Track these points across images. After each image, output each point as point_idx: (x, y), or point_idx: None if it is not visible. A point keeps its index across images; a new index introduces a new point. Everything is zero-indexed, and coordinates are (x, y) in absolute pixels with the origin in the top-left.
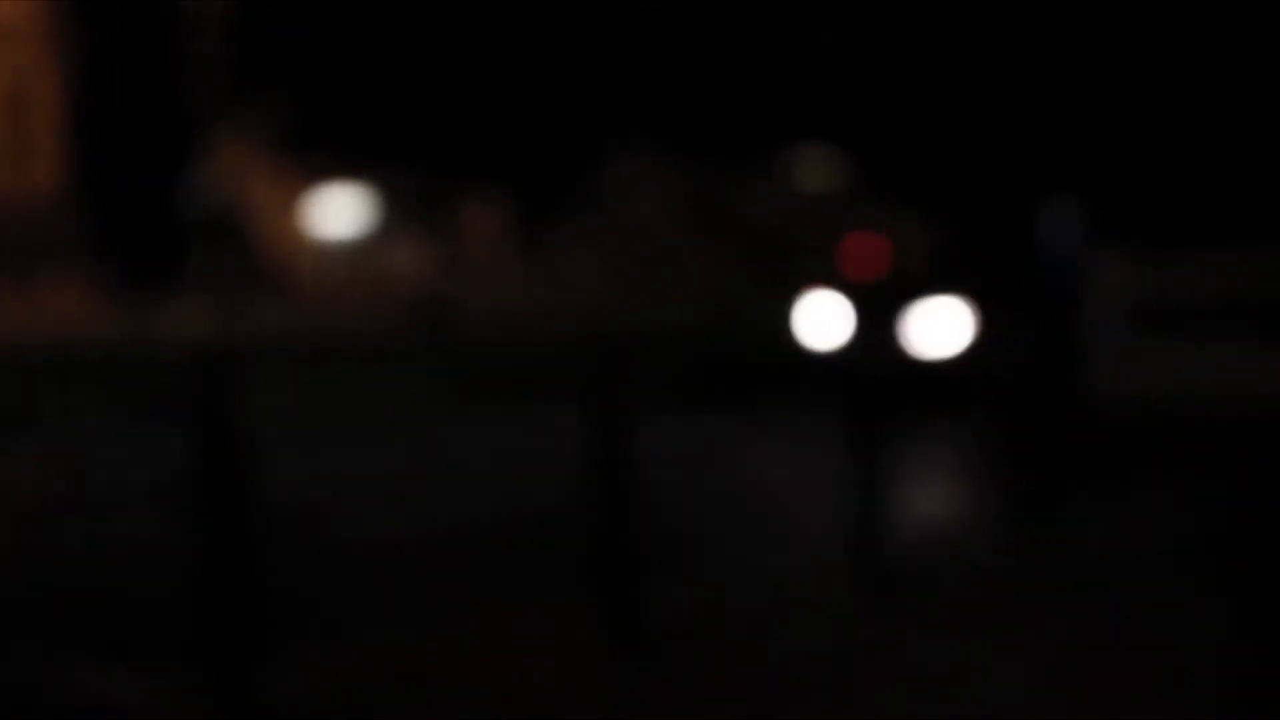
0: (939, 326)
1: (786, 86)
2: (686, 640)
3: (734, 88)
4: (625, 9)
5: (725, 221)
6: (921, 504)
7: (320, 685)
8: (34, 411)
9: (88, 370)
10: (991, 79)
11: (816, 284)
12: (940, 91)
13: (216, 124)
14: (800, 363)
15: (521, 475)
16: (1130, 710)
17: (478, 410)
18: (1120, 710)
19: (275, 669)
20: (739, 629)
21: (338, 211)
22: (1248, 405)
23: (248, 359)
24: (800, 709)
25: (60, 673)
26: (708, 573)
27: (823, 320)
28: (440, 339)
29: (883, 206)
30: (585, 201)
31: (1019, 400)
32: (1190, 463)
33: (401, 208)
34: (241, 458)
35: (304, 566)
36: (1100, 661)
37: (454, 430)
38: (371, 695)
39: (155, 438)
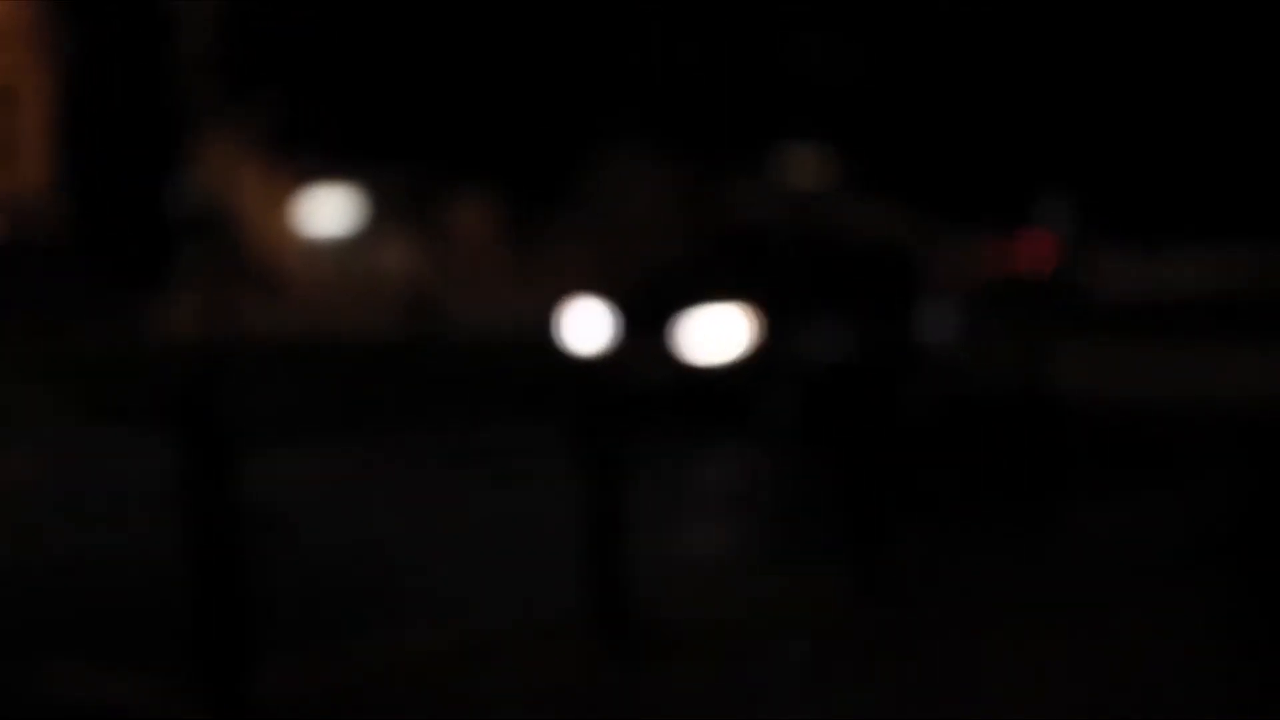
0: (711, 334)
1: (779, 85)
2: None
3: (726, 86)
4: (617, 7)
5: (715, 220)
6: (676, 542)
7: None
8: (23, 411)
9: (77, 369)
10: (977, 80)
11: (583, 289)
12: (929, 90)
13: (206, 123)
14: (563, 372)
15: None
16: None
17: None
18: None
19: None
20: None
21: (327, 210)
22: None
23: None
24: None
25: (53, 674)
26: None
27: (587, 327)
28: (423, 338)
29: (870, 204)
30: (576, 200)
31: (816, 415)
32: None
33: (391, 207)
34: (230, 458)
35: None
36: None
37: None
38: None
39: (144, 437)
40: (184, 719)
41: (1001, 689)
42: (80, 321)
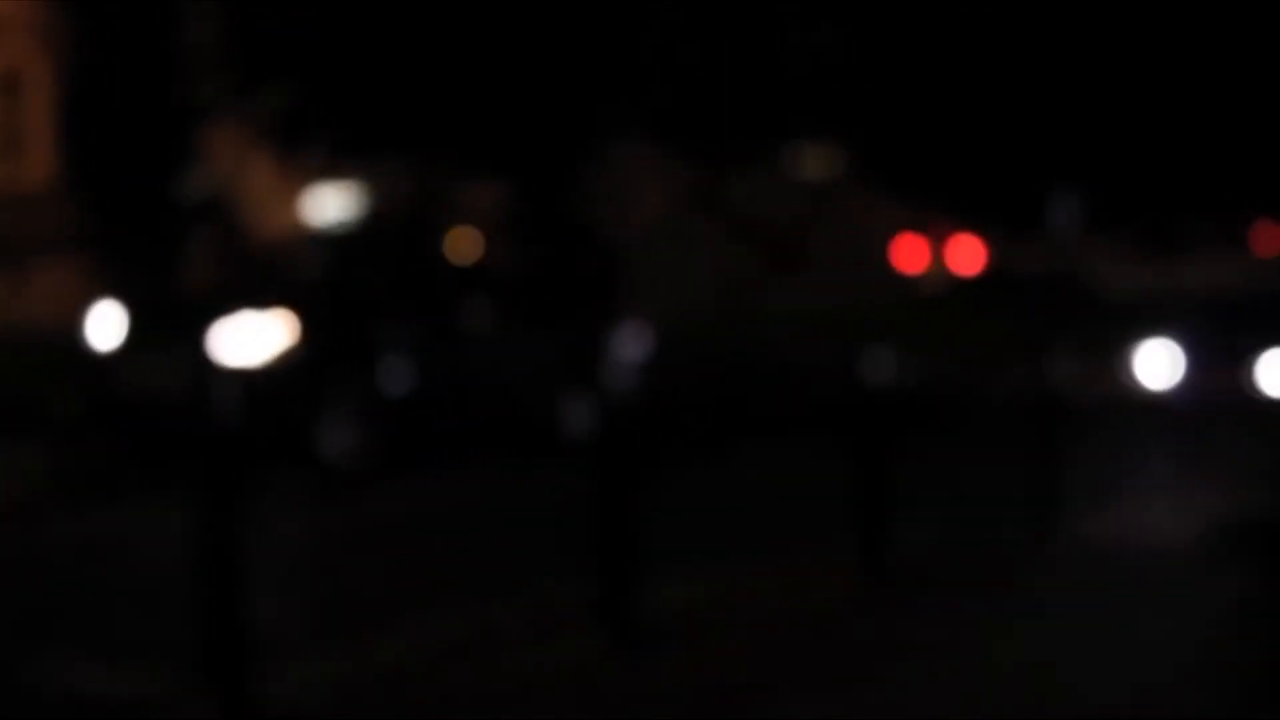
0: (242, 340)
1: (786, 79)
2: None
3: (734, 80)
4: (624, 1)
5: (725, 214)
6: None
7: None
8: (30, 404)
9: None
10: (987, 75)
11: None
12: (940, 85)
13: (211, 116)
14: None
15: None
16: None
17: None
18: None
19: None
20: None
21: (332, 204)
22: None
23: None
24: None
25: (59, 671)
26: None
27: (106, 328)
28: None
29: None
30: (582, 194)
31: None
32: None
33: (397, 201)
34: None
35: None
36: None
37: None
38: None
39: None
40: (195, 714)
41: None
42: (84, 311)
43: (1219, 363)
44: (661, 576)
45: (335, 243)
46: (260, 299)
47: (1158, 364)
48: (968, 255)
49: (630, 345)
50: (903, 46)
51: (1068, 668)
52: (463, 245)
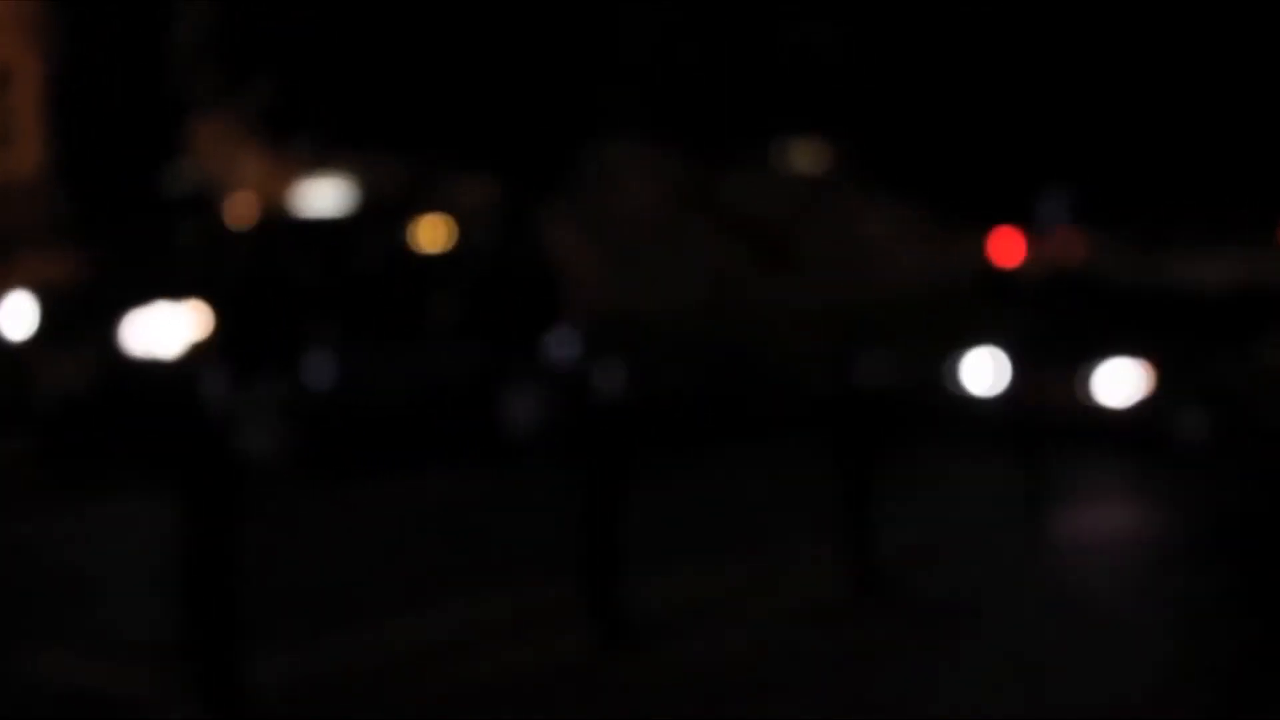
0: (153, 332)
1: (780, 75)
2: None
3: (727, 76)
4: None
5: (716, 210)
6: None
7: None
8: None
9: None
10: (981, 72)
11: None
12: (933, 82)
13: (200, 108)
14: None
15: None
16: None
17: None
18: None
19: None
20: None
21: (323, 199)
22: None
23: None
24: None
25: (43, 664)
26: None
27: (18, 319)
28: None
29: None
30: (574, 190)
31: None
32: None
33: (387, 196)
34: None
35: None
36: None
37: None
38: None
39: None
40: (180, 710)
41: None
42: None
43: (1052, 371)
44: (649, 574)
45: (277, 234)
46: (176, 290)
47: (984, 372)
48: (1008, 248)
49: (563, 346)
50: (894, 43)
51: (1053, 667)
52: (435, 234)
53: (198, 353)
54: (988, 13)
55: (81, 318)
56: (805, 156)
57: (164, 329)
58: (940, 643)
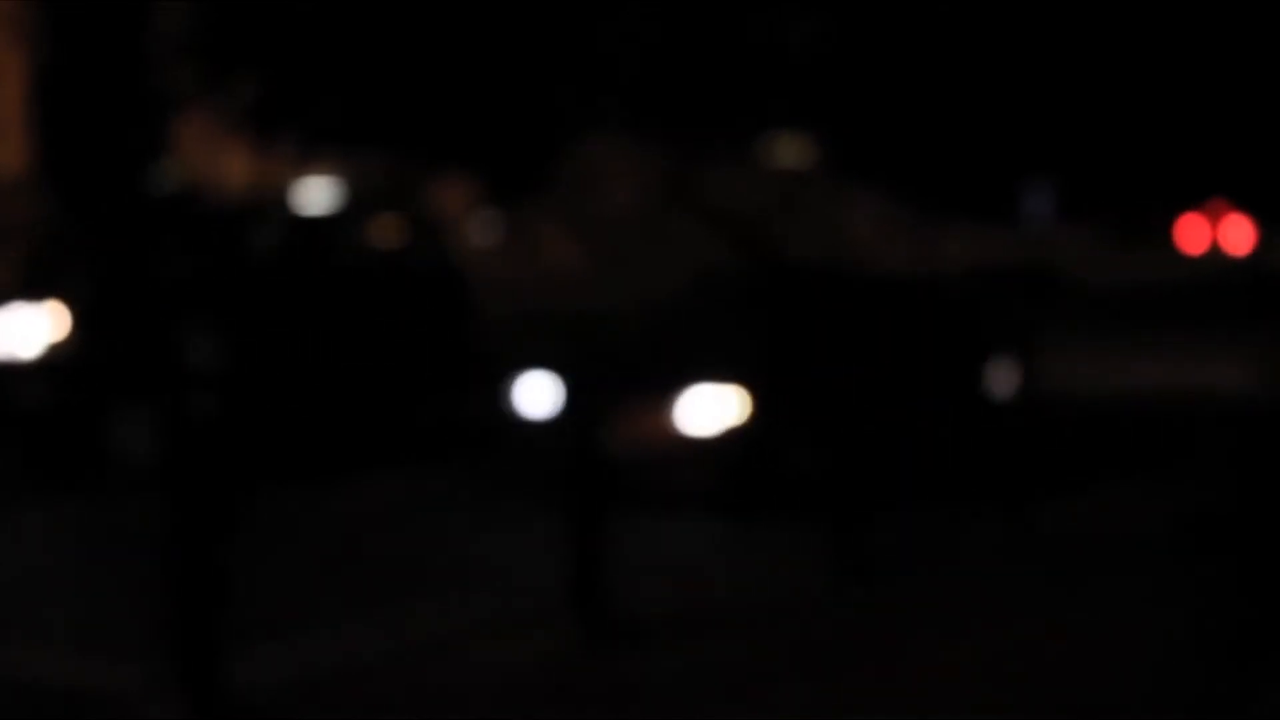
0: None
1: (760, 69)
2: None
3: (708, 69)
4: None
5: (697, 205)
6: None
7: None
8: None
9: None
10: (963, 66)
11: None
12: (915, 75)
13: (184, 107)
14: None
15: None
16: None
17: None
18: None
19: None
20: None
21: (305, 194)
22: None
23: None
24: None
25: (28, 661)
26: None
27: None
28: None
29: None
30: (556, 185)
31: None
32: None
33: (369, 192)
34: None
35: None
36: None
37: None
38: None
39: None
40: (162, 707)
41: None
42: None
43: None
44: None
45: (150, 229)
46: (35, 290)
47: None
48: (1241, 235)
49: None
50: (877, 37)
51: (1036, 658)
52: (389, 233)
53: (56, 354)
54: (969, 6)
55: None
56: (788, 151)
57: (22, 331)
58: (926, 633)
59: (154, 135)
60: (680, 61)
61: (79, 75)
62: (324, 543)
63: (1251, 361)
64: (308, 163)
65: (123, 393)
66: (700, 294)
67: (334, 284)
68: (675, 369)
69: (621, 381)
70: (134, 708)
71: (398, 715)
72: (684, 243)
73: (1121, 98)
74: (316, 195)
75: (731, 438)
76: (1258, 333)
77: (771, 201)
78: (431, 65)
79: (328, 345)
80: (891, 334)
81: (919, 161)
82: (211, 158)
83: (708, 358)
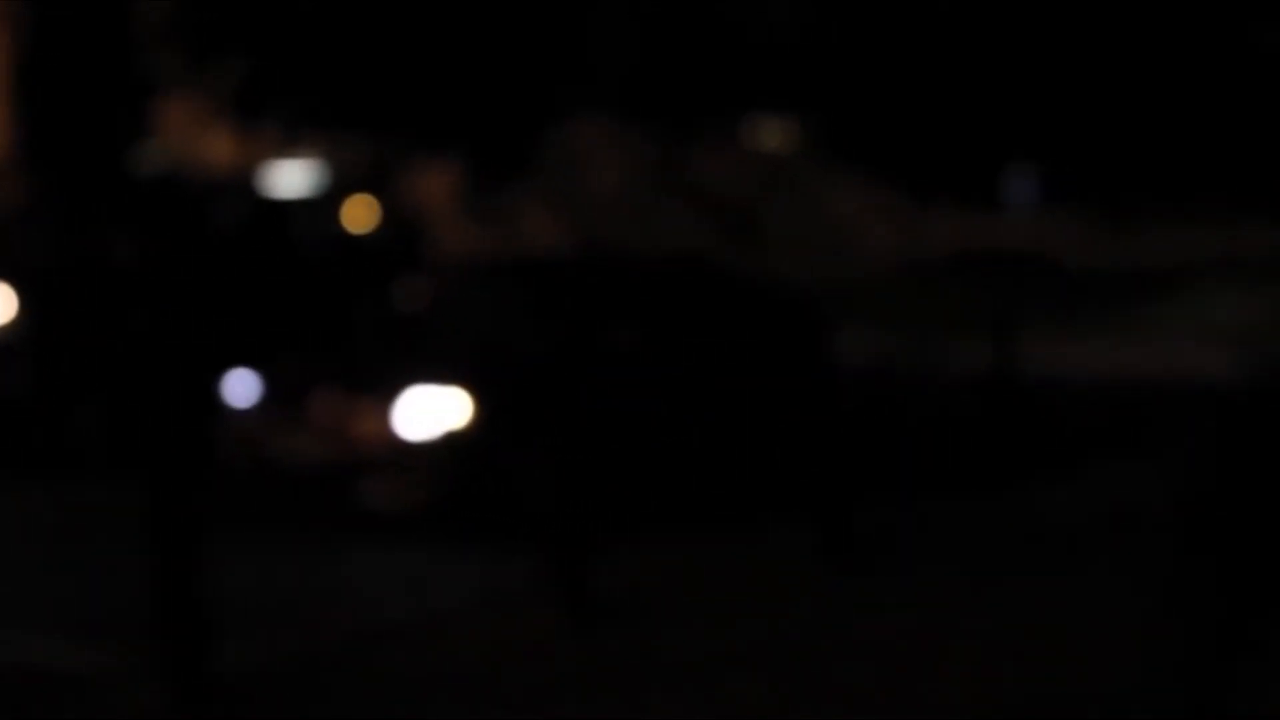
0: None
1: (745, 52)
2: None
3: (692, 52)
4: None
5: (683, 187)
6: None
7: None
8: None
9: None
10: (948, 49)
11: None
12: (899, 58)
13: (168, 90)
14: None
15: None
16: None
17: None
18: None
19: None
20: None
21: (289, 179)
22: None
23: None
24: None
25: (8, 644)
26: None
27: None
28: None
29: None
30: (540, 169)
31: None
32: None
33: (352, 175)
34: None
35: None
36: None
37: None
38: None
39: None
40: (147, 692)
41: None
42: None
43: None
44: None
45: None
46: None
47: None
48: None
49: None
50: (862, 19)
51: (1013, 643)
52: (360, 214)
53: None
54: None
55: None
56: (774, 134)
57: None
58: (906, 618)
59: (138, 118)
60: (665, 44)
61: (62, 57)
62: None
63: (1233, 344)
64: (293, 146)
65: (74, 378)
66: (478, 286)
67: (290, 265)
68: (401, 367)
69: (332, 378)
70: (116, 690)
71: None
72: (669, 224)
73: (1107, 83)
74: (292, 178)
75: (446, 446)
76: (1240, 316)
77: (757, 184)
78: (416, 48)
79: (289, 327)
80: (665, 330)
81: (903, 145)
82: (196, 141)
83: (433, 355)
